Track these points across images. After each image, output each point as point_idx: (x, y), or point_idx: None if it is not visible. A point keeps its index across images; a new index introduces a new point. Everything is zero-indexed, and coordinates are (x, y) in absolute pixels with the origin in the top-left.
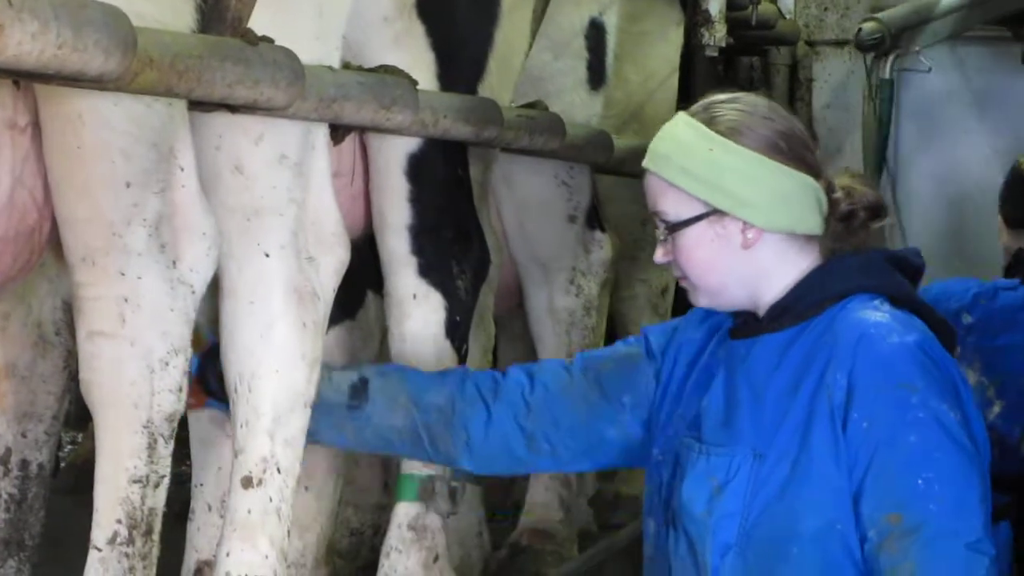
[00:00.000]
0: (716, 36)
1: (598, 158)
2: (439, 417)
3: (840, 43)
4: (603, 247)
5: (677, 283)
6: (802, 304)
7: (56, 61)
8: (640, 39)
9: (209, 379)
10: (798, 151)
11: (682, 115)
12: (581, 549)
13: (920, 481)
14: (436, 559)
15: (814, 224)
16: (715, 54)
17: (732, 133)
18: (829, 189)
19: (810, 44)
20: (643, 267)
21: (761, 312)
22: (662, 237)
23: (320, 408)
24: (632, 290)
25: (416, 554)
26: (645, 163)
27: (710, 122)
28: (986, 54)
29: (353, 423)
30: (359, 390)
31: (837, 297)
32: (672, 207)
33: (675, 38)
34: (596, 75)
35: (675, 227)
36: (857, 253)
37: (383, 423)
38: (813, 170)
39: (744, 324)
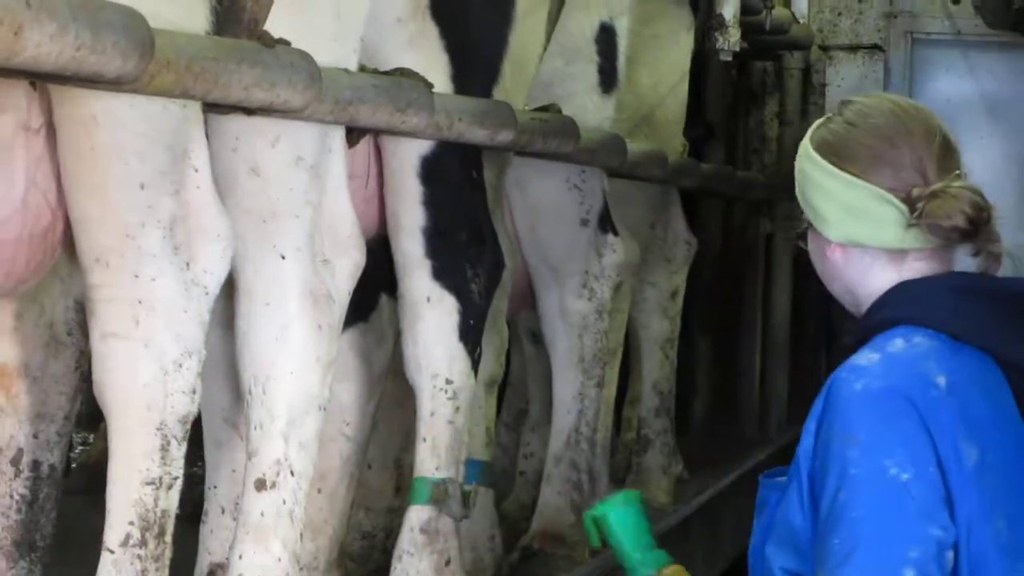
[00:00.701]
0: (730, 40)
1: (611, 162)
2: None
3: (854, 47)
4: (615, 251)
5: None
6: (861, 329)
7: (74, 63)
8: (651, 43)
9: None
10: (876, 161)
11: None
12: (592, 554)
13: (836, 541)
14: (448, 563)
15: (891, 238)
16: (729, 58)
17: (819, 143)
18: (914, 199)
19: (823, 48)
20: (652, 270)
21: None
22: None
23: None
24: (642, 293)
25: (428, 557)
26: None
27: (814, 131)
28: (999, 60)
29: None
30: None
31: (882, 326)
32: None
33: (686, 42)
34: (608, 79)
35: (797, 237)
36: (930, 278)
37: None
38: (898, 179)
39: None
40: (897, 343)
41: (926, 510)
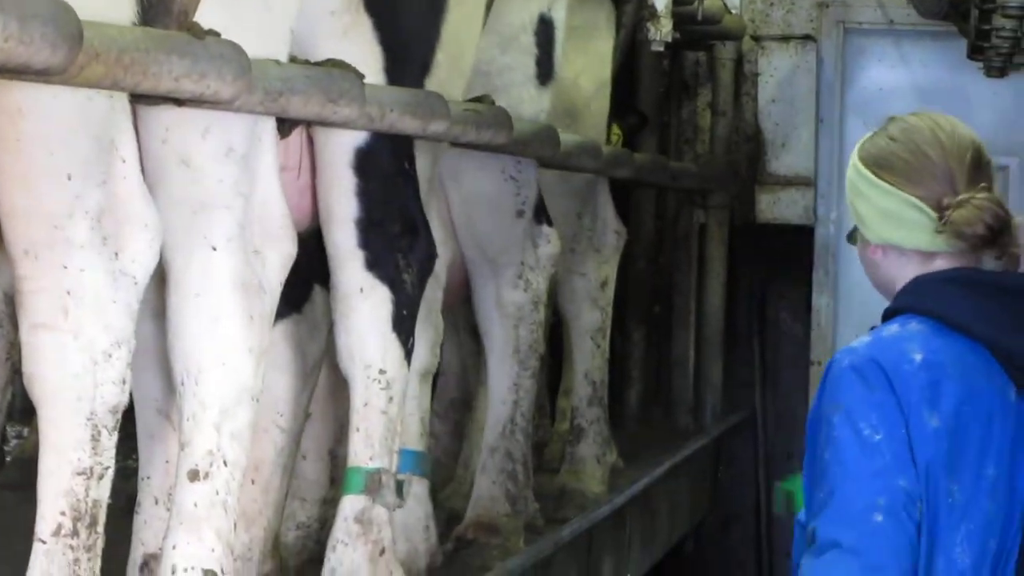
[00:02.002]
0: (662, 31)
1: (545, 153)
2: None
3: (786, 38)
4: (550, 242)
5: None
6: (883, 318)
7: (2, 54)
8: (570, 34)
9: None
10: (913, 172)
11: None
12: (527, 543)
13: (821, 494)
14: (382, 552)
15: (923, 241)
16: (661, 49)
17: (865, 155)
18: (944, 207)
19: (756, 39)
20: (581, 261)
21: None
22: None
23: None
24: (571, 284)
25: (362, 547)
26: None
27: (861, 144)
28: (931, 49)
29: None
30: None
31: (891, 315)
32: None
33: (606, 33)
34: (544, 70)
35: (849, 239)
36: (934, 273)
37: None
38: (929, 189)
39: None
40: (893, 327)
41: (896, 465)
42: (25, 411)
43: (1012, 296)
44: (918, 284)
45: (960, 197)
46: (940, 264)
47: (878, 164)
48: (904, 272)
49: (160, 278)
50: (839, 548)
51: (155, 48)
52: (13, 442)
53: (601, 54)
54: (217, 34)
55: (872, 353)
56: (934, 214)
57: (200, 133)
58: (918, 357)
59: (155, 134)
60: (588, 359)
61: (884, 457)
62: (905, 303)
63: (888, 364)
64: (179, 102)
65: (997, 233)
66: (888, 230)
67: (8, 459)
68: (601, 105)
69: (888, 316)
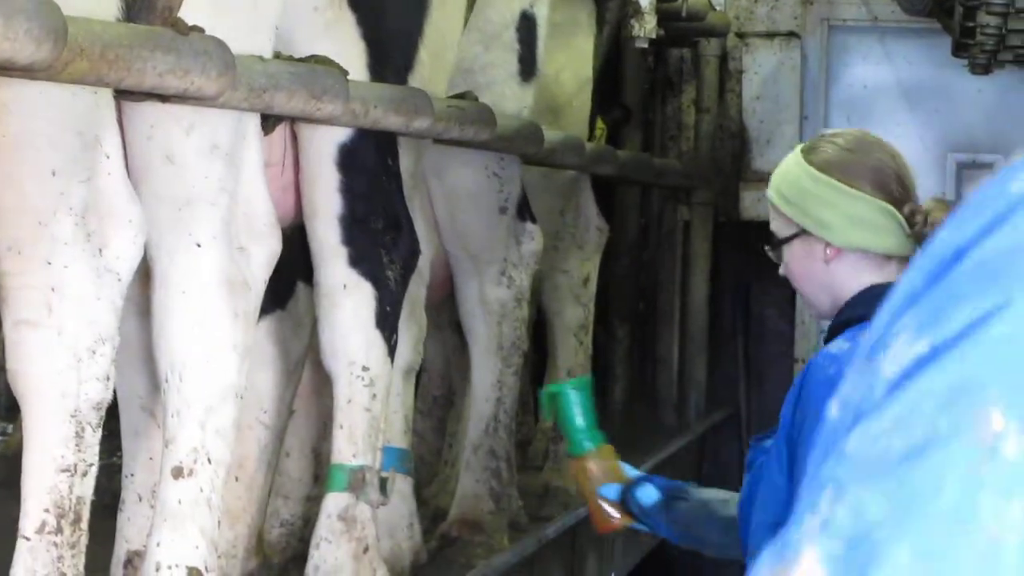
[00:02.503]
0: (647, 28)
1: (528, 149)
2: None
3: (770, 35)
4: (534, 238)
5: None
6: (834, 323)
7: None
8: (552, 31)
9: (630, 505)
10: (879, 180)
11: (796, 148)
12: (511, 541)
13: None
14: (366, 550)
15: (887, 244)
16: (645, 46)
17: (821, 164)
18: (912, 213)
19: (740, 35)
20: (564, 257)
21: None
22: (773, 255)
23: (724, 525)
24: (554, 280)
25: (346, 545)
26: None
27: (807, 153)
28: (916, 46)
29: (673, 513)
30: (680, 489)
31: (853, 321)
32: (778, 227)
33: (588, 30)
34: (527, 67)
35: (778, 244)
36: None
37: (702, 514)
38: (893, 197)
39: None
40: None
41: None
42: (10, 408)
43: None
44: (875, 295)
45: (929, 203)
46: (893, 268)
47: (843, 171)
48: (858, 277)
49: (145, 274)
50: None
51: (139, 44)
52: None
53: (582, 51)
54: (201, 30)
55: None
56: (903, 219)
57: (184, 129)
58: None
59: (140, 130)
60: (571, 356)
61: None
62: (866, 312)
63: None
64: (163, 98)
65: None
66: (857, 234)
67: None
68: (583, 102)
69: (842, 325)
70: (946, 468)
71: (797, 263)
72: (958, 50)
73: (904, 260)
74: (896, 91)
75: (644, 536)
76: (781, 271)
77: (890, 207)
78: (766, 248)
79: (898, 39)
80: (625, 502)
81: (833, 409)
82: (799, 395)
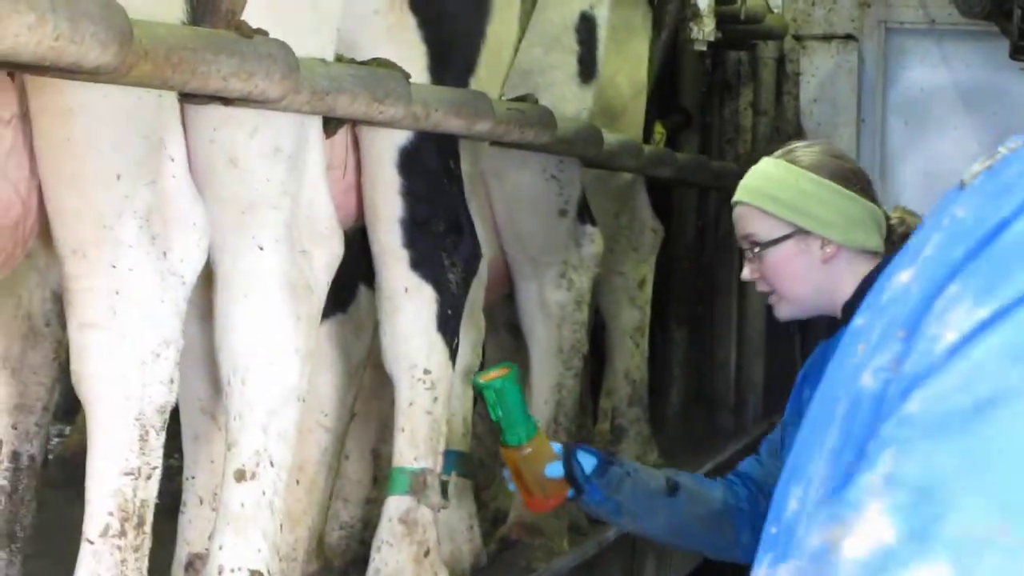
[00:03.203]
0: (705, 31)
1: (588, 152)
2: (723, 510)
3: (827, 37)
4: (593, 241)
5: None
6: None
7: (53, 53)
8: (608, 34)
9: (576, 471)
10: (863, 185)
11: (766, 158)
12: (571, 544)
13: None
14: (427, 553)
15: (877, 243)
16: (704, 48)
17: (812, 167)
18: (887, 217)
19: (797, 38)
20: (619, 260)
21: (839, 314)
22: (750, 257)
23: (642, 493)
24: (610, 283)
25: (407, 548)
26: (737, 196)
27: (793, 161)
28: (973, 49)
29: (666, 510)
30: (672, 482)
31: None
32: (763, 230)
33: (643, 33)
34: (587, 69)
35: (766, 246)
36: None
37: (690, 513)
38: (874, 201)
39: (830, 326)
40: None
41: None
42: (67, 410)
43: None
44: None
45: (899, 211)
46: (875, 261)
47: (837, 176)
48: (854, 271)
49: (207, 278)
50: None
51: (203, 47)
52: (55, 440)
53: (637, 54)
54: (265, 33)
55: None
56: (884, 222)
57: (248, 133)
58: None
59: (203, 134)
60: (627, 358)
61: None
62: None
63: None
64: (227, 101)
65: None
66: (856, 233)
67: (50, 457)
68: (638, 105)
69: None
70: (1020, 419)
71: (787, 263)
72: (1016, 53)
73: (880, 258)
74: (953, 94)
75: None
76: (747, 275)
77: (876, 208)
78: (749, 251)
79: (955, 42)
80: (570, 471)
81: (867, 379)
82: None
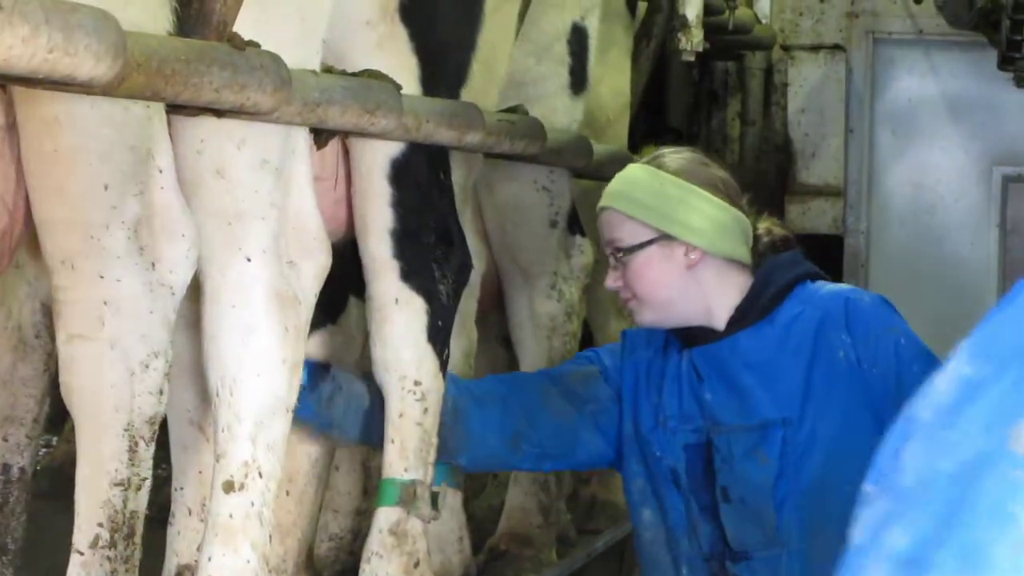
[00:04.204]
0: (693, 41)
1: (578, 163)
2: (448, 415)
3: (815, 48)
4: (584, 252)
5: None
6: (764, 299)
7: (46, 65)
8: None
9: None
10: (731, 194)
11: (632, 164)
12: (560, 554)
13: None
14: (417, 564)
15: (744, 253)
16: (691, 59)
17: (680, 172)
18: (754, 227)
19: (785, 49)
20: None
21: (717, 322)
22: (614, 264)
23: (355, 407)
24: (596, 295)
25: (397, 559)
26: (602, 203)
27: (660, 166)
28: (961, 59)
29: (381, 421)
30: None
31: (789, 287)
32: (627, 235)
33: (624, 43)
34: (578, 80)
35: (629, 250)
36: (781, 255)
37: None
38: (742, 210)
39: (701, 333)
40: (823, 284)
41: None
42: (54, 420)
43: None
44: (787, 261)
45: (768, 223)
46: (745, 272)
47: (704, 183)
48: (727, 280)
49: (194, 289)
50: None
51: (195, 59)
52: (42, 451)
53: (619, 64)
54: (257, 45)
55: (869, 292)
56: (750, 232)
57: (235, 144)
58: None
59: (190, 145)
60: None
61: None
62: (798, 272)
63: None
64: (219, 113)
65: (787, 249)
66: (722, 242)
67: (38, 468)
68: (622, 116)
69: (784, 288)
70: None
71: (650, 268)
72: (1004, 63)
73: (748, 268)
74: (941, 104)
75: None
76: (610, 283)
77: (744, 218)
78: (612, 257)
79: (943, 52)
80: None
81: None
82: (848, 324)
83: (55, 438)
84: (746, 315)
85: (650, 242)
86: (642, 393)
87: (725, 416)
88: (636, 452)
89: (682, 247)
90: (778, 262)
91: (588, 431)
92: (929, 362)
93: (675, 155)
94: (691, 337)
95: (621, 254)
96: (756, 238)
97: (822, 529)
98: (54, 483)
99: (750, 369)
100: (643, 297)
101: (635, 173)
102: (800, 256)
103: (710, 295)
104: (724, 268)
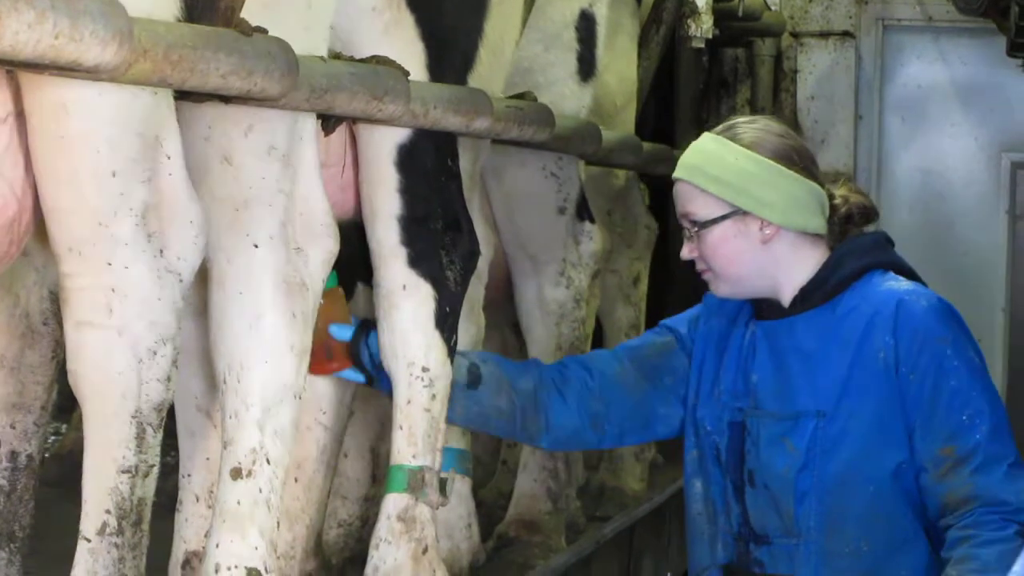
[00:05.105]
0: (703, 28)
1: (586, 149)
2: (529, 402)
3: (825, 34)
4: (592, 238)
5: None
6: (828, 284)
7: (52, 51)
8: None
9: (360, 351)
10: (806, 164)
11: (707, 134)
12: (568, 541)
13: (964, 418)
14: (425, 551)
15: (819, 225)
16: (701, 46)
17: (753, 146)
18: (830, 196)
19: (795, 35)
20: (613, 258)
21: (784, 298)
22: (689, 236)
23: None
24: (603, 281)
25: (405, 545)
26: (676, 173)
27: (734, 138)
28: (970, 46)
29: (465, 402)
30: (475, 374)
31: (857, 274)
32: (701, 209)
33: (629, 29)
34: (586, 66)
35: (704, 225)
36: (862, 236)
37: (490, 404)
38: (818, 180)
39: (769, 308)
40: (891, 279)
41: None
42: (63, 408)
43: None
44: (863, 246)
45: (840, 190)
46: (822, 247)
47: (778, 155)
48: (799, 253)
49: (202, 275)
50: (1013, 462)
51: (203, 45)
52: (51, 439)
53: (626, 51)
54: (264, 31)
55: (933, 295)
56: (827, 202)
57: (242, 131)
58: (943, 298)
59: (197, 132)
60: None
61: (989, 378)
62: (868, 261)
63: (948, 303)
64: (226, 99)
65: (867, 220)
66: (796, 215)
67: (46, 456)
68: (629, 103)
69: (850, 277)
70: None
71: (725, 244)
72: (1013, 50)
73: (825, 238)
74: (950, 91)
75: None
76: (686, 254)
77: (819, 189)
78: (688, 229)
79: (953, 39)
80: (356, 344)
81: None
82: (896, 328)
83: (64, 426)
84: (809, 298)
85: (724, 217)
86: (707, 362)
87: (764, 400)
88: (692, 423)
89: (757, 222)
90: (854, 246)
91: (665, 405)
92: (972, 378)
93: (749, 126)
94: (760, 310)
95: (695, 228)
96: (833, 207)
97: (840, 526)
98: (63, 470)
99: (799, 355)
100: (718, 271)
101: (708, 145)
102: (881, 240)
103: (782, 269)
104: (798, 241)
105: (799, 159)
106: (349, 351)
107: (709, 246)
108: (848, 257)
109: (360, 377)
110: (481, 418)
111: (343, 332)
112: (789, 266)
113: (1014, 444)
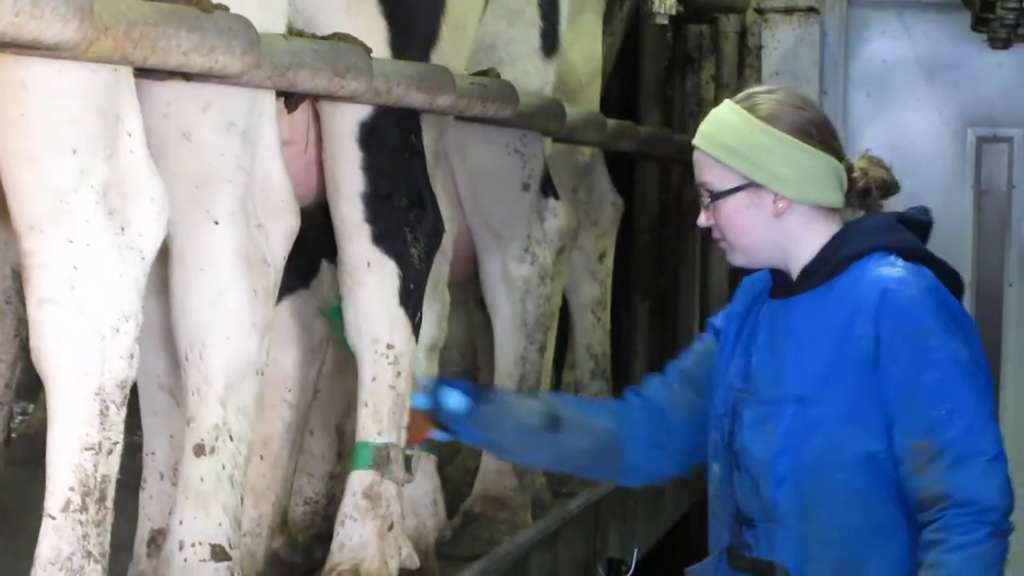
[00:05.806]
0: (666, 4)
1: (550, 126)
2: (609, 440)
3: (789, 10)
4: (557, 215)
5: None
6: (828, 264)
7: (12, 29)
8: None
9: (438, 411)
10: (825, 137)
11: (727, 102)
12: (534, 517)
13: (943, 412)
14: (391, 527)
15: (835, 199)
16: (665, 22)
17: (770, 118)
18: (849, 169)
19: (759, 11)
20: (579, 234)
21: (794, 272)
22: (705, 204)
23: (520, 431)
24: (569, 257)
25: (371, 522)
26: (695, 141)
27: (751, 109)
28: (935, 21)
29: (550, 446)
30: (556, 419)
31: (857, 256)
32: (716, 179)
33: (594, 5)
34: (550, 43)
35: (718, 196)
36: (869, 216)
37: (574, 447)
38: (837, 153)
39: (781, 284)
40: (890, 263)
41: (988, 380)
42: (30, 388)
43: (914, 230)
44: (868, 227)
45: (860, 162)
46: (836, 220)
47: (795, 129)
48: (811, 227)
49: (162, 252)
50: (992, 458)
51: (164, 22)
52: (18, 419)
53: (590, 27)
54: (225, 8)
55: (928, 282)
56: (844, 175)
57: (201, 107)
58: (939, 286)
59: (156, 109)
60: (589, 332)
61: (983, 373)
62: (871, 243)
63: (943, 291)
64: (187, 76)
65: (886, 193)
66: (810, 189)
67: (13, 436)
68: (594, 79)
69: (848, 258)
70: None
71: (739, 215)
72: (977, 24)
73: (840, 212)
74: (915, 66)
75: (665, 512)
76: (702, 222)
77: (836, 162)
78: (704, 198)
79: (917, 14)
80: (434, 408)
81: None
82: (878, 317)
83: (31, 406)
84: (812, 275)
85: (738, 188)
86: (727, 344)
87: (758, 383)
88: (712, 406)
89: (770, 195)
90: (863, 225)
91: None
92: (955, 371)
93: (767, 96)
94: (775, 286)
95: (711, 198)
96: (851, 180)
97: (816, 512)
98: (30, 450)
99: (793, 338)
100: (732, 242)
101: (726, 115)
102: (893, 222)
103: (794, 241)
104: (812, 215)
105: (817, 132)
106: (430, 417)
107: (723, 216)
108: (854, 236)
109: (446, 436)
110: (568, 459)
111: (420, 401)
112: (801, 238)
113: (998, 440)
